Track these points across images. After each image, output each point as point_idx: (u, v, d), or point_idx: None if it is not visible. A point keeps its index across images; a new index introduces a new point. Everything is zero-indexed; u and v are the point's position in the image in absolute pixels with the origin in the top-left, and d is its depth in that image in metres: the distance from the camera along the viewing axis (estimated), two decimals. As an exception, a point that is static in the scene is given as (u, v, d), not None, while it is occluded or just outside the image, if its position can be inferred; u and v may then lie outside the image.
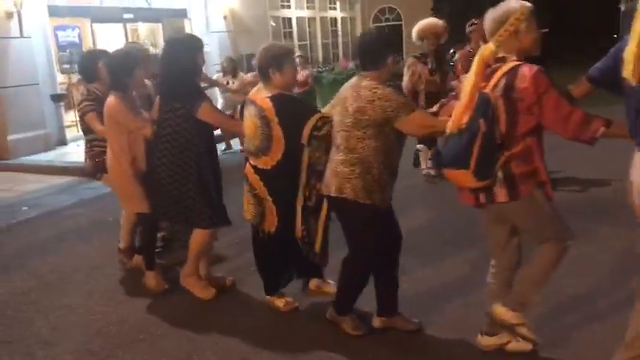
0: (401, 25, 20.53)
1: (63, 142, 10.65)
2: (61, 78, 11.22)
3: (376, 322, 3.43)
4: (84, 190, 7.88)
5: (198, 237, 3.90)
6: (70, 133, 10.87)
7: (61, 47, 10.75)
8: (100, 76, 4.33)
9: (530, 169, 2.73)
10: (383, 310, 3.41)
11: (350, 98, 3.06)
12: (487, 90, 2.71)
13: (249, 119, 3.44)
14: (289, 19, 17.55)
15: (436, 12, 19.03)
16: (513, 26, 2.67)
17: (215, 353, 3.36)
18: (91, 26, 11.57)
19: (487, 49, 2.71)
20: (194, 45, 3.72)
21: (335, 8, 19.85)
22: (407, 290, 3.67)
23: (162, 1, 13.00)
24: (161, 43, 13.15)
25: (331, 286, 3.76)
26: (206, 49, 12.98)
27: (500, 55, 2.74)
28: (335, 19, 19.84)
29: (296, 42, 17.72)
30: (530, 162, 2.73)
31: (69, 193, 7.81)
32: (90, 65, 4.42)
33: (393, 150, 3.11)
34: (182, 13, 13.68)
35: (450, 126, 2.77)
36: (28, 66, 9.84)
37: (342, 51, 19.77)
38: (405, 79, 6.35)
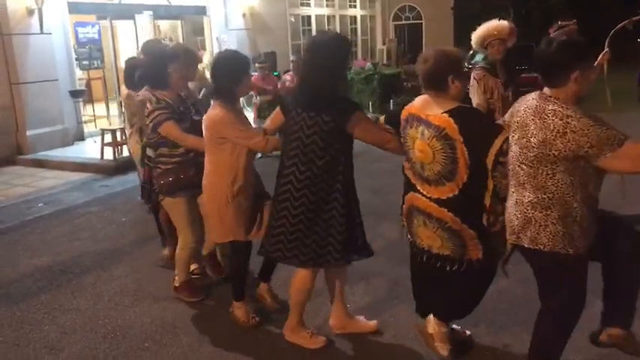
0: (421, 23, 20.40)
1: (81, 137, 10.79)
2: (80, 74, 11.36)
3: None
4: (99, 187, 8.00)
5: (304, 278, 3.33)
6: (87, 129, 11.00)
7: (80, 43, 10.84)
8: (171, 82, 3.92)
9: None
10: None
11: (532, 126, 2.48)
12: None
13: (421, 142, 2.82)
14: (308, 17, 17.52)
15: (457, 11, 18.95)
16: None
17: (218, 364, 3.40)
18: (111, 23, 11.66)
19: None
20: (345, 47, 3.18)
21: (355, 6, 19.76)
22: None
23: (182, -2, 13.06)
24: (181, 40, 13.25)
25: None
26: (224, 46, 13.02)
27: None
28: (354, 17, 19.76)
29: (315, 40, 17.67)
30: None
31: (84, 190, 7.91)
32: (161, 70, 3.91)
33: (592, 182, 2.51)
34: (201, 11, 13.73)
35: None
36: (48, 62, 9.96)
37: (362, 49, 19.69)
38: (478, 95, 4.88)
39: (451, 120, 2.71)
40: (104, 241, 5.61)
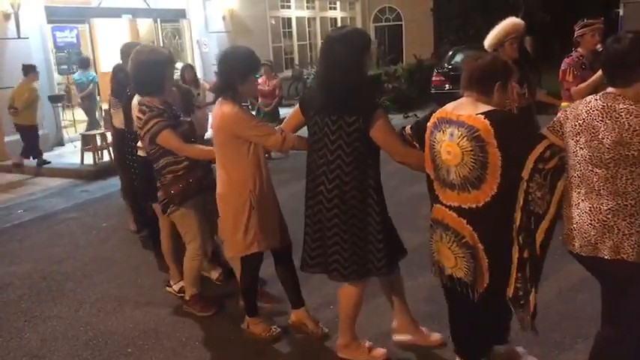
0: (401, 25, 20.51)
1: (60, 142, 10.71)
2: (59, 79, 11.25)
3: None
4: (79, 192, 7.94)
5: (351, 292, 3.11)
6: (67, 134, 10.90)
7: (58, 48, 10.75)
8: (166, 87, 3.71)
9: None
10: None
11: (602, 127, 2.32)
12: None
13: (448, 144, 2.60)
14: (289, 19, 17.53)
15: (437, 12, 19.07)
16: None
17: (201, 368, 3.38)
18: (89, 27, 11.58)
19: None
20: (361, 41, 2.91)
21: (335, 8, 19.82)
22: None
23: (161, 1, 12.99)
24: (161, 43, 13.17)
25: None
26: (204, 49, 12.97)
27: None
28: (335, 19, 19.80)
29: (295, 42, 17.71)
30: None
31: (64, 195, 7.84)
32: (157, 76, 3.62)
33: None
34: (181, 14, 13.68)
35: None
36: (26, 67, 9.83)
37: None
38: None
39: (486, 122, 2.49)
40: (85, 247, 5.56)
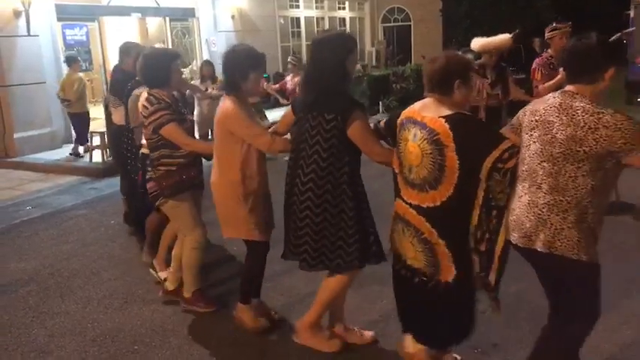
0: (410, 25, 20.48)
1: (69, 140, 10.70)
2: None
3: None
4: (88, 190, 7.97)
5: (334, 282, 3.22)
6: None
7: (68, 46, 10.80)
8: (173, 80, 3.78)
9: None
10: None
11: (557, 122, 2.39)
12: None
13: (411, 144, 2.72)
14: (298, 19, 17.54)
15: (445, 13, 19.02)
16: None
17: (208, 366, 3.39)
18: (99, 25, 11.64)
19: None
20: (345, 44, 3.03)
21: (344, 8, 19.81)
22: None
23: (170, 0, 13.03)
24: (170, 42, 13.21)
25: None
26: (213, 48, 12.99)
27: None
28: (343, 19, 19.79)
29: (304, 42, 17.71)
30: None
31: (73, 193, 7.87)
32: (163, 68, 3.70)
33: (609, 189, 2.48)
34: (190, 13, 13.71)
35: None
36: (35, 64, 9.89)
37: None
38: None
39: (446, 126, 2.59)
40: (93, 244, 5.58)
